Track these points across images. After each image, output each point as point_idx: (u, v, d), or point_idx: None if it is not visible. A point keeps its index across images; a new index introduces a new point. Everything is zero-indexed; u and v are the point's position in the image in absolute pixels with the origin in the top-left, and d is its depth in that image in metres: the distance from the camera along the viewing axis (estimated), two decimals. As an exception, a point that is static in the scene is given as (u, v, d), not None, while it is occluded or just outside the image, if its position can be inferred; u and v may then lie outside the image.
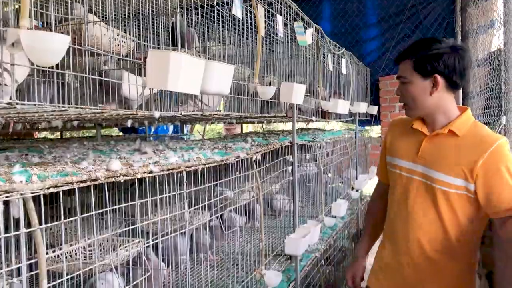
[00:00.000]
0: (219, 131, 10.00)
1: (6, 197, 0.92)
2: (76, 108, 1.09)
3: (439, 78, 1.73)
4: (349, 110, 4.21)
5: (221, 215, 2.48)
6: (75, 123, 2.01)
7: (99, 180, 1.15)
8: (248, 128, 8.81)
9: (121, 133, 6.38)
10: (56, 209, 2.03)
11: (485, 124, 3.55)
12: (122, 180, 1.24)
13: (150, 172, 1.39)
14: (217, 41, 2.27)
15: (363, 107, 4.74)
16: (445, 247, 1.78)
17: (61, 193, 1.06)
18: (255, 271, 2.18)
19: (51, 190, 1.02)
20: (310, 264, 2.90)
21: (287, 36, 2.70)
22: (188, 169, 1.57)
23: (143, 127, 5.54)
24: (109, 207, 1.26)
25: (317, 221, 3.04)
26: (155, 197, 1.52)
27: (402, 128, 1.98)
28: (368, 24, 6.57)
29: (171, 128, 6.83)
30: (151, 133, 5.62)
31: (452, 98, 1.81)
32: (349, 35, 6.50)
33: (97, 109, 1.13)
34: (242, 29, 2.18)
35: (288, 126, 7.55)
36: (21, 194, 0.94)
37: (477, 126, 1.79)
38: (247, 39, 2.25)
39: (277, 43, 2.60)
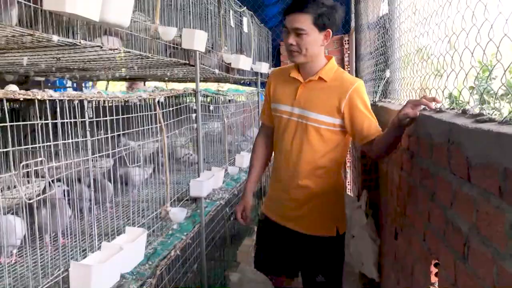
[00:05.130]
0: (120, 91, 9.64)
1: None
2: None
3: (330, 33, 2.03)
4: (252, 68, 4.36)
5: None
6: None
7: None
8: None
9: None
10: None
11: (374, 79, 3.92)
12: (22, 99, 1.24)
13: (51, 96, 1.39)
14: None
15: (264, 67, 4.91)
16: (316, 171, 2.12)
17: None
18: (160, 208, 2.25)
19: None
20: (215, 210, 3.02)
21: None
22: (90, 99, 1.58)
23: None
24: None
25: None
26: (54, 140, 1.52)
27: (281, 77, 2.24)
28: (270, -11, 6.71)
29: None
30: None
31: (323, 49, 2.11)
32: (251, -1, 6.60)
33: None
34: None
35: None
36: None
37: (338, 71, 2.13)
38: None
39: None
